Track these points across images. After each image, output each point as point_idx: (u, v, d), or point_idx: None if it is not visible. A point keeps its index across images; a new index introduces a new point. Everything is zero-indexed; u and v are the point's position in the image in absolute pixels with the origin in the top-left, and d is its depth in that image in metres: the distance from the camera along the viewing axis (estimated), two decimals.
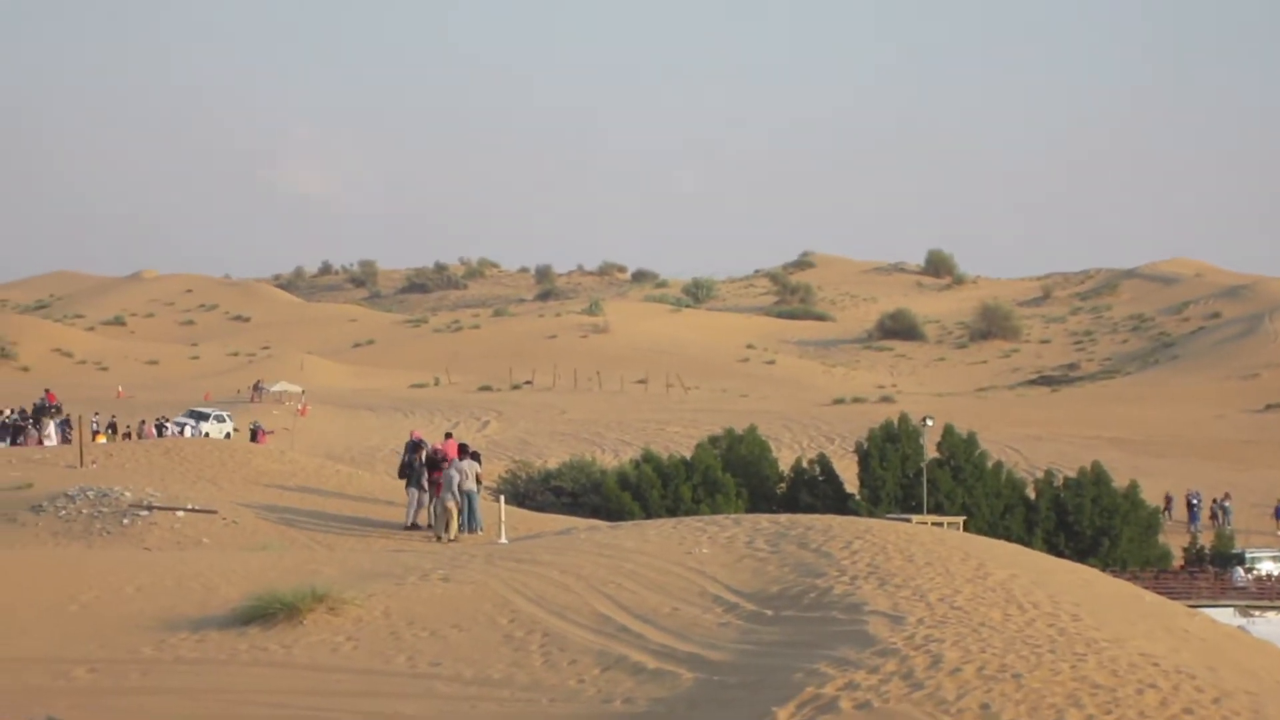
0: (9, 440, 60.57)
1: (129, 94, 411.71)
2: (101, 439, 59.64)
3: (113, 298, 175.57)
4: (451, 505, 33.70)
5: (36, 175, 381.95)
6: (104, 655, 18.49)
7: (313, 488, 41.06)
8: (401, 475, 37.82)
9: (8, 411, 68.06)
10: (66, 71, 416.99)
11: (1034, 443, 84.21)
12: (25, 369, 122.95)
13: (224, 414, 75.08)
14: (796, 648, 17.06)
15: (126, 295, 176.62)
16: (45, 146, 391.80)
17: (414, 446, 37.53)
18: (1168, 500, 69.95)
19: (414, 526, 35.20)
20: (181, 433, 68.11)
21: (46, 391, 72.20)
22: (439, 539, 33.50)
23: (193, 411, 72.50)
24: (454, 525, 33.69)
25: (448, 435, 41.35)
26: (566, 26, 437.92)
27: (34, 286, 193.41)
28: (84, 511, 35.29)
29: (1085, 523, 54.82)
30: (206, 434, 68.47)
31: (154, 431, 67.19)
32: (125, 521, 34.45)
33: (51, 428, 60.60)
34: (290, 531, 35.19)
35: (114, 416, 73.33)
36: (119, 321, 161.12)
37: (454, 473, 33.92)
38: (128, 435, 68.86)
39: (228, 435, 69.70)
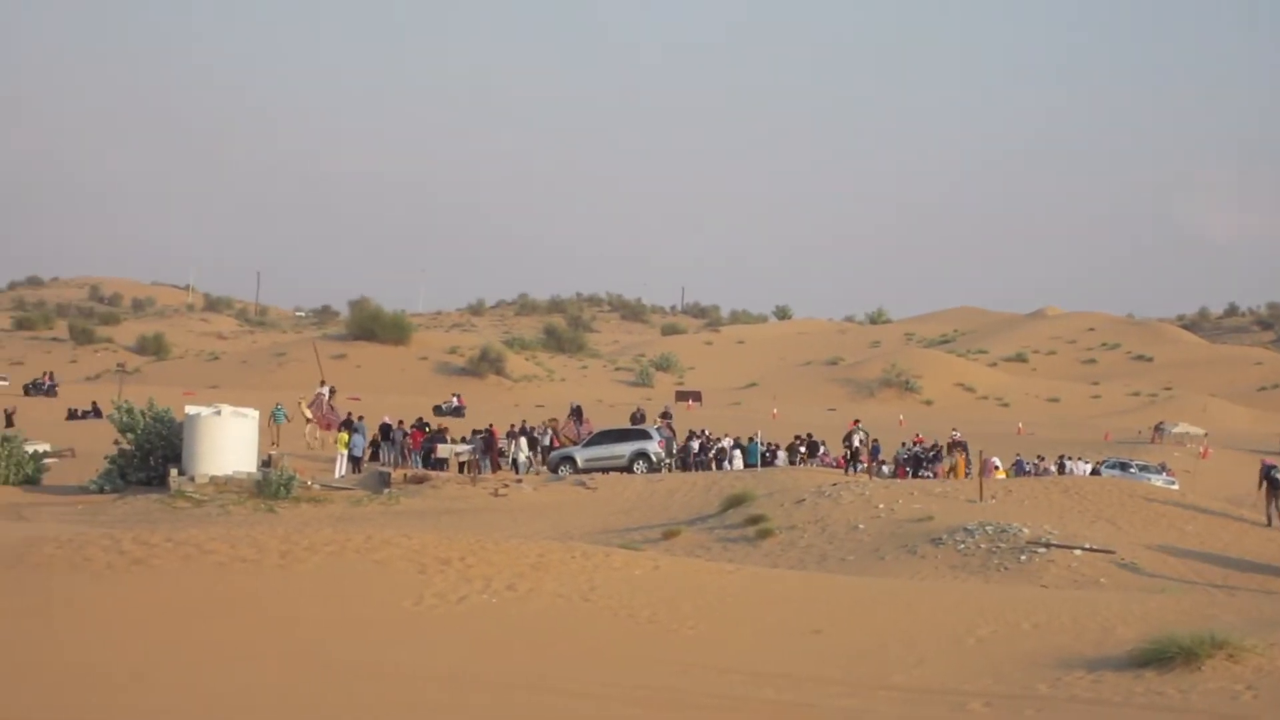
0: (913, 471, 62.19)
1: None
2: (1001, 474, 60.19)
3: (1015, 334, 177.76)
4: None
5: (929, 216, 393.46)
6: (999, 690, 18.46)
7: (1212, 530, 39.79)
8: None
9: (912, 443, 70.07)
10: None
11: None
12: (928, 403, 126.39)
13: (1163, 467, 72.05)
14: None
15: (1029, 332, 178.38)
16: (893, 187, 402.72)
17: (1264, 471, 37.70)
18: None
19: None
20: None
21: (456, 396, 73.38)
22: None
23: (1119, 462, 71.41)
24: None
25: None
26: None
27: (940, 321, 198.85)
28: (982, 546, 35.65)
29: None
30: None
31: (1054, 470, 67.16)
32: (1022, 558, 34.52)
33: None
34: (1189, 574, 34.18)
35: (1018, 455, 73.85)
36: (1021, 358, 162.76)
37: None
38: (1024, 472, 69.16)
39: None
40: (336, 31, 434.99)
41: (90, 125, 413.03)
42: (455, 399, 77.83)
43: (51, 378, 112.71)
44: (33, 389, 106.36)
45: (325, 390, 65.88)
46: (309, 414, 64.49)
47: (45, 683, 15.89)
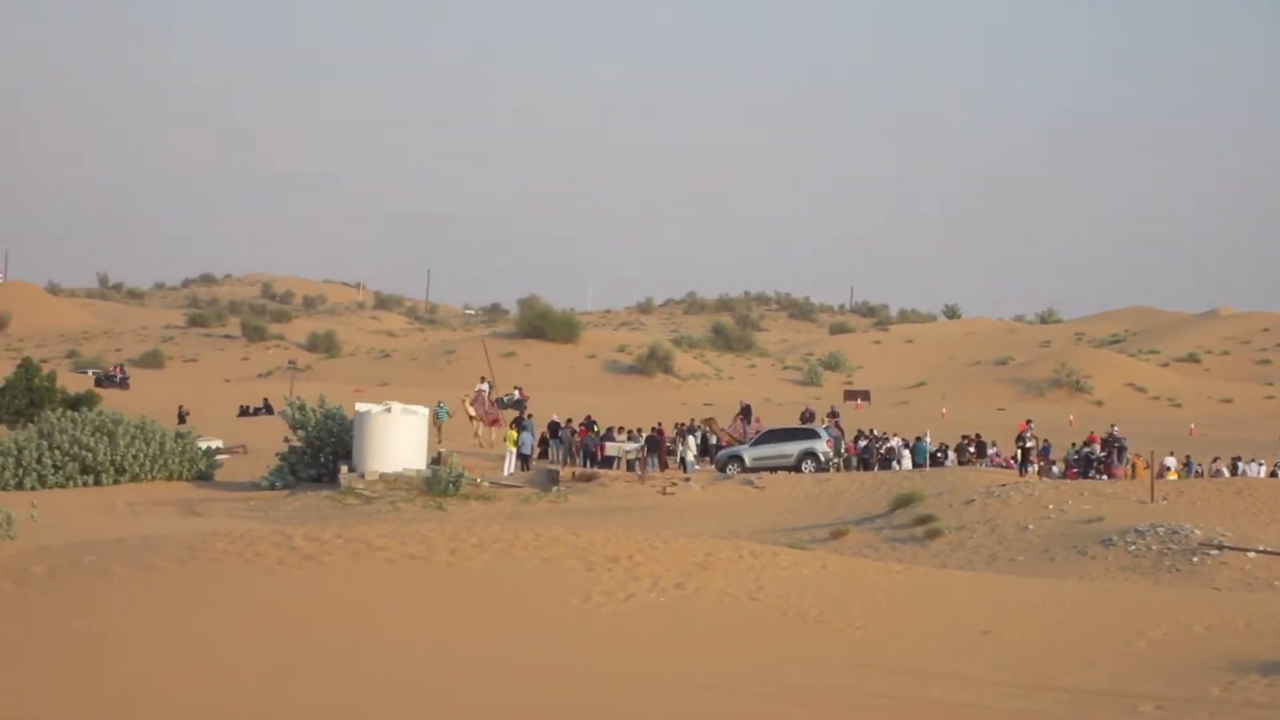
0: (1082, 472, 61.27)
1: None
2: (1173, 475, 59.18)
3: (1188, 334, 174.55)
4: None
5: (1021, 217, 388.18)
6: (1171, 693, 18.24)
7: None
8: None
9: (1084, 443, 69.13)
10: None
11: None
12: (1099, 403, 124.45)
13: None
14: None
15: (1201, 332, 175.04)
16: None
17: None
18: None
19: None
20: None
21: (519, 389, 72.11)
22: None
23: None
24: None
25: None
26: None
27: (1110, 320, 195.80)
28: (1153, 548, 35.20)
29: None
30: None
31: (1225, 471, 65.95)
32: (1194, 560, 34.03)
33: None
34: None
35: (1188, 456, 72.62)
36: (1193, 359, 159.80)
37: None
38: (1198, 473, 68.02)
39: None
40: (497, 28, 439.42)
41: (263, 123, 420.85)
42: (517, 391, 78.17)
43: (122, 370, 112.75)
44: (105, 380, 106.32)
45: (485, 386, 66.46)
46: (472, 411, 65.15)
47: (224, 676, 16.24)
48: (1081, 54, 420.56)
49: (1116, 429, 69.10)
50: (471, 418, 65.42)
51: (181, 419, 73.54)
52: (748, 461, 54.82)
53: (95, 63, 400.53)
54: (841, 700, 16.94)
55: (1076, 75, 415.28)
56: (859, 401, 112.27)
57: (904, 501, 43.10)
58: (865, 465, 59.36)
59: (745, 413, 63.62)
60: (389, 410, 50.20)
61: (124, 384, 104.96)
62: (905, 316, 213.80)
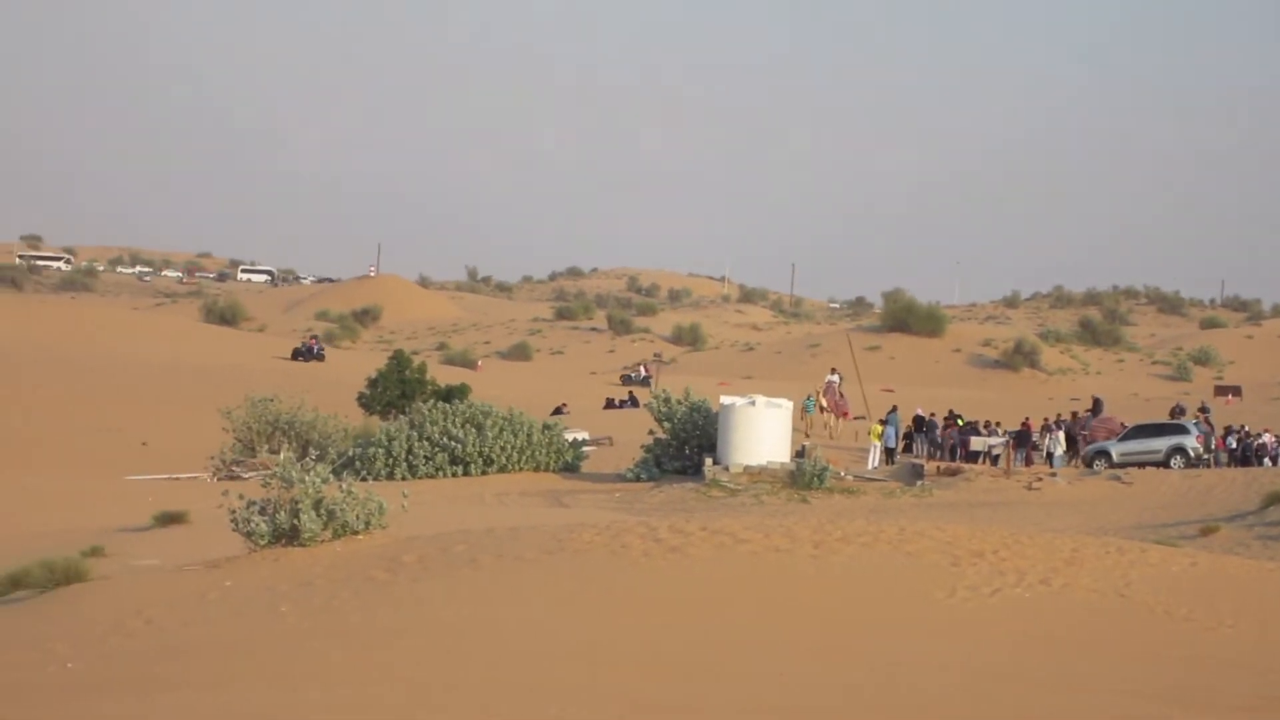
0: None
1: None
2: None
3: None
4: None
5: None
6: None
7: None
8: None
9: None
10: None
11: None
12: None
13: None
14: None
15: None
16: None
17: None
18: None
19: None
20: None
21: (643, 365, 68.37)
22: None
23: None
24: None
25: None
26: None
27: None
28: None
29: None
30: None
31: None
32: None
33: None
34: None
35: None
36: None
37: None
38: None
39: None
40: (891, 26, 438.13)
41: (631, 119, 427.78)
42: (642, 368, 77.02)
43: (317, 341, 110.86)
44: (304, 353, 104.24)
45: (835, 378, 66.64)
46: (824, 402, 65.40)
47: (592, 664, 16.77)
48: None
49: None
50: (822, 409, 65.70)
51: (557, 411, 75.48)
52: (1115, 457, 54.00)
53: (458, 68, 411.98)
54: (1210, 700, 16.70)
55: None
56: (1230, 397, 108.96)
57: (1277, 499, 41.93)
58: (1245, 461, 57.66)
59: (1095, 406, 62.51)
60: (753, 403, 50.73)
61: (320, 355, 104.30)
62: (1279, 310, 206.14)
